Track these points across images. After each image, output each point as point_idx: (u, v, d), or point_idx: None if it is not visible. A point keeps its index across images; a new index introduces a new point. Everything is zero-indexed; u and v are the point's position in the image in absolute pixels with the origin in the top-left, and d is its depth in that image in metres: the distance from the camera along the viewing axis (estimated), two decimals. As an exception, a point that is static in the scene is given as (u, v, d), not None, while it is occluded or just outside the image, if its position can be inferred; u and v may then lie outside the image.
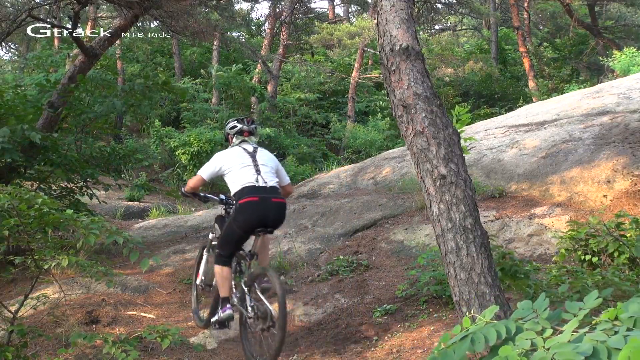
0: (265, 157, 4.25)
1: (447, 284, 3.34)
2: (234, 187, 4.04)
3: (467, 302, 2.44)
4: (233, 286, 4.01)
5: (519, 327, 1.52)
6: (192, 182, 4.28)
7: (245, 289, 3.85)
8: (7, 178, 5.83)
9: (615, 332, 1.34)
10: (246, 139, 4.34)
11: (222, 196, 4.42)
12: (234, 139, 4.39)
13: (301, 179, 12.10)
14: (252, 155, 4.18)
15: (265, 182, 4.02)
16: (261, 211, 3.93)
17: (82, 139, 6.74)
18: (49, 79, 6.76)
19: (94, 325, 4.38)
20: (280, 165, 4.37)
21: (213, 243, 4.33)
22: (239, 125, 4.35)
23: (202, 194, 4.43)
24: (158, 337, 3.11)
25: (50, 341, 3.88)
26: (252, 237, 4.03)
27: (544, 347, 1.37)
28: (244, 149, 4.23)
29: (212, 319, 4.01)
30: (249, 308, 3.73)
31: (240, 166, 4.09)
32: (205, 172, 4.19)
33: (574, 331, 1.41)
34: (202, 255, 4.55)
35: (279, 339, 3.43)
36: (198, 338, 4.15)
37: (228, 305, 3.98)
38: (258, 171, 4.08)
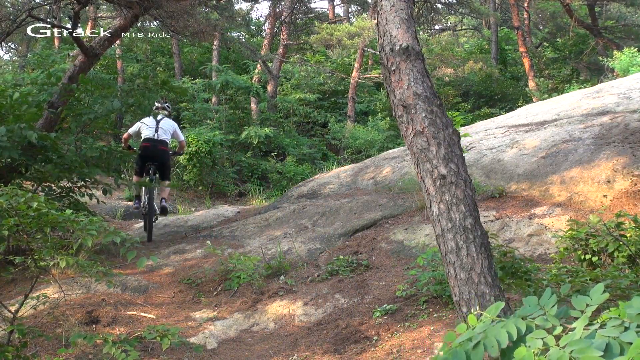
0: (166, 123, 7.15)
1: (447, 284, 3.34)
2: (143, 138, 7.00)
3: (467, 302, 2.44)
4: (142, 192, 6.97)
5: (529, 326, 1.51)
6: (124, 136, 7.37)
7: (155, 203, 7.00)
8: (7, 178, 5.82)
9: (626, 328, 1.34)
10: (159, 112, 7.18)
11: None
12: (153, 112, 7.28)
13: (301, 179, 12.10)
14: (157, 122, 7.09)
15: (158, 136, 6.97)
16: (150, 151, 6.93)
17: (82, 139, 6.73)
18: (50, 73, 6.71)
19: (94, 325, 4.37)
20: (178, 130, 7.31)
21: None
22: (157, 104, 7.20)
23: (128, 145, 7.37)
24: (158, 336, 3.11)
25: (50, 341, 3.88)
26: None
27: (557, 345, 1.36)
28: (154, 118, 7.14)
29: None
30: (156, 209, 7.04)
31: (147, 128, 7.03)
32: (130, 131, 7.25)
33: (584, 328, 1.40)
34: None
35: (150, 227, 6.93)
36: (198, 338, 4.15)
37: (137, 202, 7.08)
38: (157, 130, 7.00)
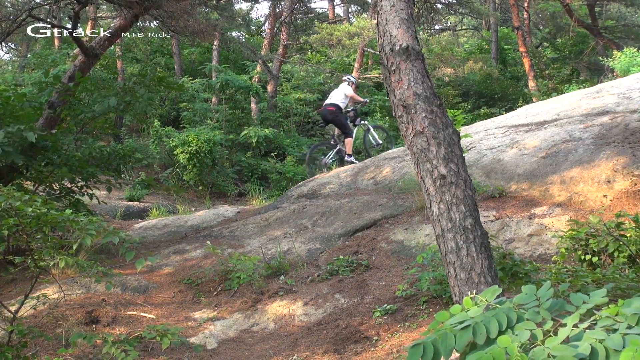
0: (338, 89, 9.82)
1: (447, 284, 3.34)
2: None
3: (467, 302, 2.44)
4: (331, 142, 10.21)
5: (520, 317, 1.51)
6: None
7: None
8: (7, 178, 5.82)
9: (615, 330, 1.33)
10: (342, 82, 10.04)
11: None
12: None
13: (301, 179, 12.10)
14: (336, 87, 9.93)
15: (330, 100, 9.66)
16: (321, 114, 9.98)
17: (82, 139, 6.72)
18: (48, 73, 6.69)
19: (94, 325, 4.37)
20: (345, 90, 9.69)
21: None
22: (343, 77, 10.26)
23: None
24: (157, 336, 3.11)
25: (50, 341, 3.87)
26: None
27: (543, 343, 1.36)
28: (337, 87, 10.08)
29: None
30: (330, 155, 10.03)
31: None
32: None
33: (574, 326, 1.40)
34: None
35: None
36: (198, 338, 4.15)
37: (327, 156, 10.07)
38: (331, 96, 9.75)
